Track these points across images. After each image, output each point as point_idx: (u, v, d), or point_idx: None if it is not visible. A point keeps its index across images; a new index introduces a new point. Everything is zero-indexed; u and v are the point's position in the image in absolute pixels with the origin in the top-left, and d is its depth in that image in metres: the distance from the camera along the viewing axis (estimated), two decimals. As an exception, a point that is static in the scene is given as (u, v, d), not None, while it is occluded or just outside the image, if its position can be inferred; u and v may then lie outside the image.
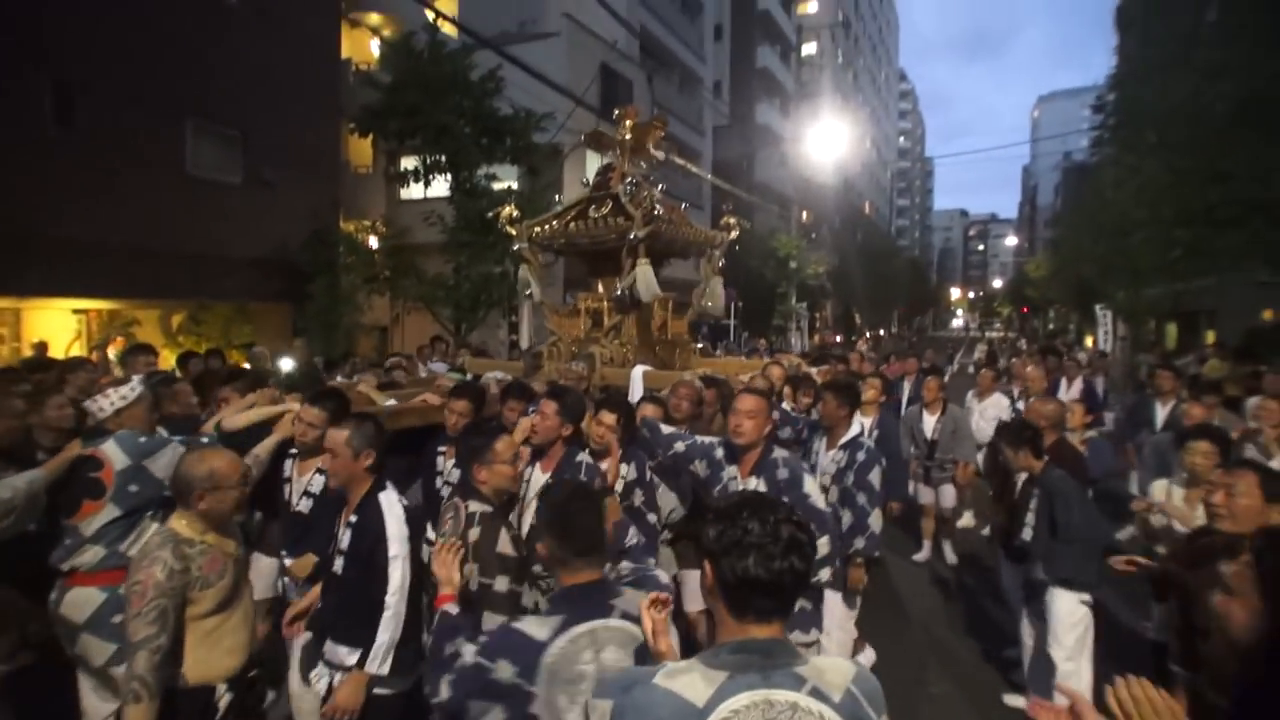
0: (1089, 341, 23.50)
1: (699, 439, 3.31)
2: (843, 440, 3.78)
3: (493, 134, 11.64)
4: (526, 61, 10.33)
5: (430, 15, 10.76)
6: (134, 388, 3.13)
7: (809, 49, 39.72)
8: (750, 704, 1.19)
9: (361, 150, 15.75)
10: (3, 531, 2.70)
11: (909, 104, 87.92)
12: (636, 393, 4.33)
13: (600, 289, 5.38)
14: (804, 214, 36.05)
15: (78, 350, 9.25)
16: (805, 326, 29.84)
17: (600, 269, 5.43)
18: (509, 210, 5.43)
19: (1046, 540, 3.43)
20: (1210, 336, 14.42)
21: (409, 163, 12.20)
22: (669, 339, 5.45)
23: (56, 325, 10.90)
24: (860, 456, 3.65)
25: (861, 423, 4.66)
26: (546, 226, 5.31)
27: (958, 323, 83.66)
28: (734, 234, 5.67)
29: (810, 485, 3.00)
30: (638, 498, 3.28)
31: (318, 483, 3.01)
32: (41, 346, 7.86)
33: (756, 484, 2.93)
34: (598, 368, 4.72)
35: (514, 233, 5.35)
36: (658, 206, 4.97)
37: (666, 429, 3.43)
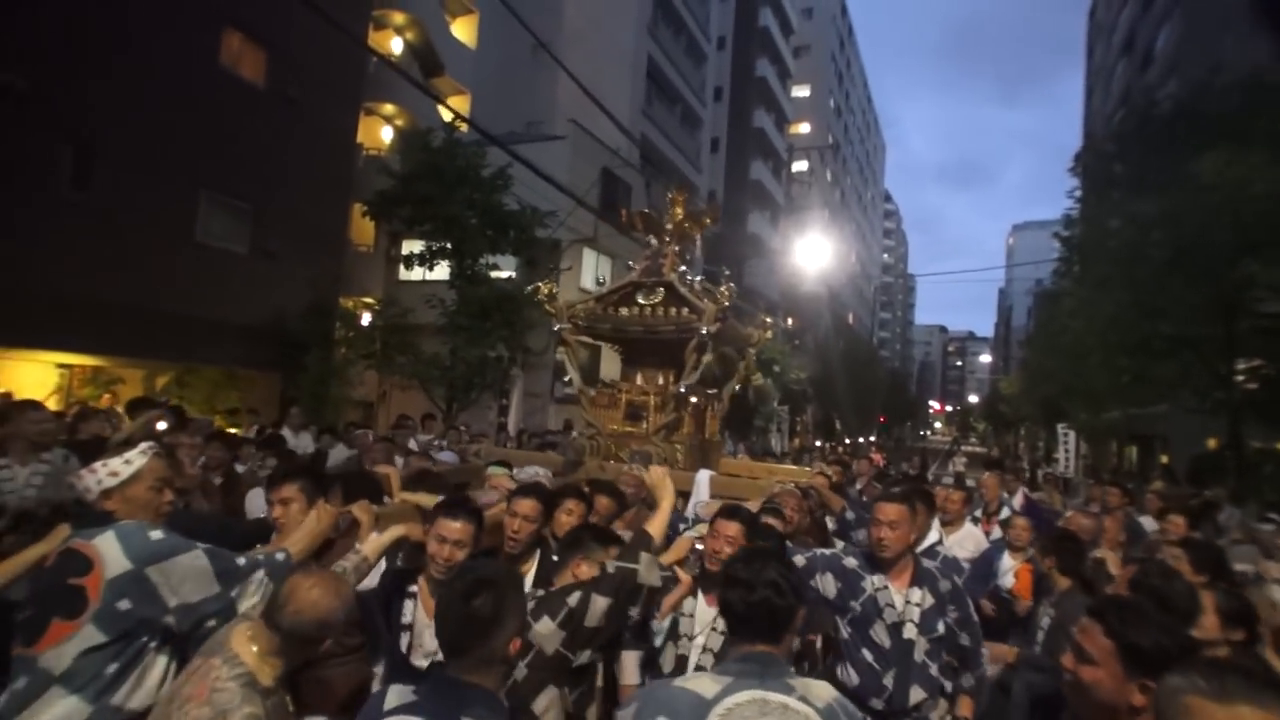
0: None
1: (818, 551, 3.00)
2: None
3: (498, 226, 12.23)
4: (532, 161, 10.90)
5: (449, 114, 11.51)
6: (130, 458, 2.15)
7: (799, 166, 42.14)
8: (749, 700, 1.46)
9: (364, 230, 16.15)
10: None
11: (893, 224, 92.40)
12: (702, 497, 3.98)
13: (640, 380, 4.93)
14: (789, 320, 37.21)
15: (54, 405, 8.87)
16: (786, 430, 30.18)
17: (642, 359, 4.98)
18: (548, 287, 5.09)
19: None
20: (1165, 460, 15.04)
21: (413, 246, 12.66)
22: (708, 439, 5.08)
23: (35, 378, 10.56)
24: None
25: None
26: (588, 307, 4.97)
27: (941, 436, 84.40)
28: (769, 333, 5.48)
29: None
30: None
31: None
32: (4, 396, 6.59)
33: (922, 595, 2.70)
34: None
35: (552, 311, 4.95)
36: (730, 301, 4.60)
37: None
